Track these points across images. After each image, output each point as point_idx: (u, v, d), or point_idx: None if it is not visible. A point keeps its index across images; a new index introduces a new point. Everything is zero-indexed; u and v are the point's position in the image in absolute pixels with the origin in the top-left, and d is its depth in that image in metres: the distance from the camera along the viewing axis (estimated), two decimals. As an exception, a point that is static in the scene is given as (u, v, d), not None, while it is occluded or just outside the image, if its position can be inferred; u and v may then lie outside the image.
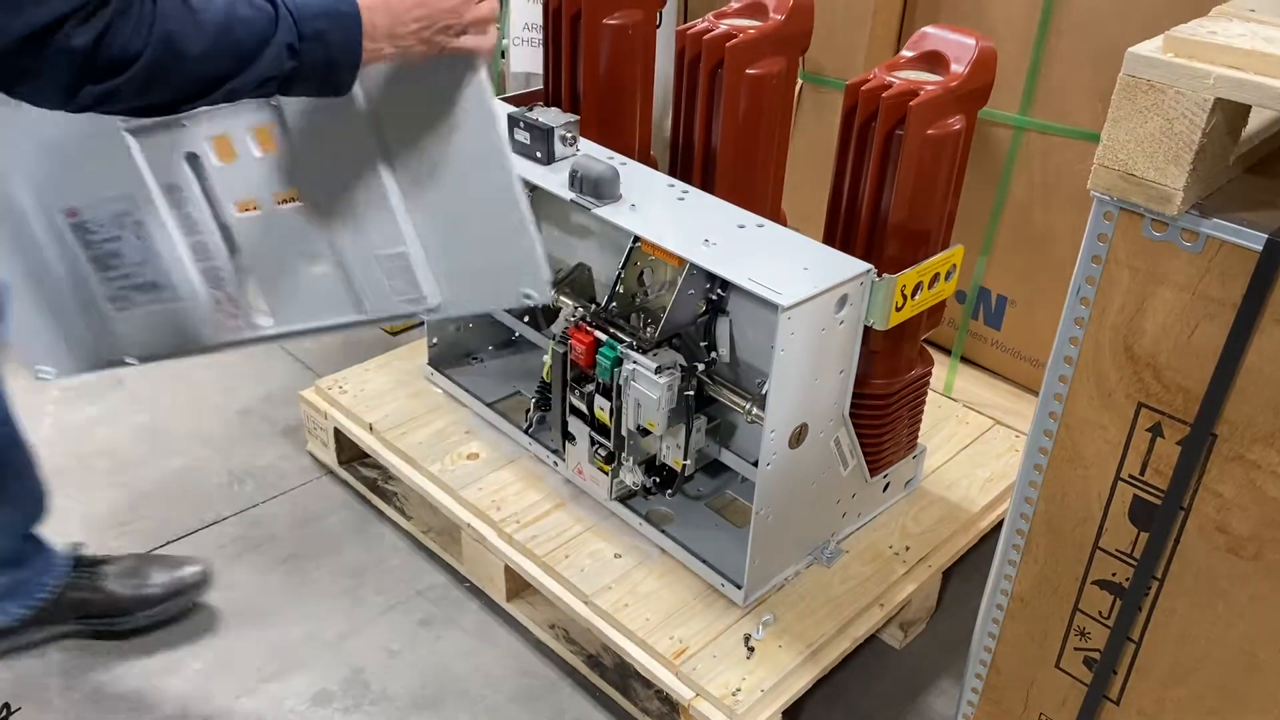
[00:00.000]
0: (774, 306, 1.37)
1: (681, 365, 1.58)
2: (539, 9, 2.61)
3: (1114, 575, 1.20)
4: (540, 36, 2.66)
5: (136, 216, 1.41)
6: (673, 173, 1.80)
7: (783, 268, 1.44)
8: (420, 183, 1.34)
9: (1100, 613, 1.23)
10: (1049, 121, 1.92)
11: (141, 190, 1.39)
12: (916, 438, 1.79)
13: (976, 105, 1.54)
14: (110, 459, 2.07)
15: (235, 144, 1.36)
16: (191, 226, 1.43)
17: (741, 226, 1.55)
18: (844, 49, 2.11)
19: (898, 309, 1.49)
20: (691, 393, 1.58)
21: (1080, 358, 1.14)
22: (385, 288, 1.42)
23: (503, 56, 3.05)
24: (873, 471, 1.71)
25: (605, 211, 1.57)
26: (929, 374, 1.73)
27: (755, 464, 1.71)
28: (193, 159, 1.38)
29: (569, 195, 1.61)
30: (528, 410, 1.91)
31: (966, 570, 1.82)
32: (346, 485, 2.03)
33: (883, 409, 1.67)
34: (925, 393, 1.75)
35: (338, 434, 2.00)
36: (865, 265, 1.45)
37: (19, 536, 1.60)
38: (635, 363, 1.57)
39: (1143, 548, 1.16)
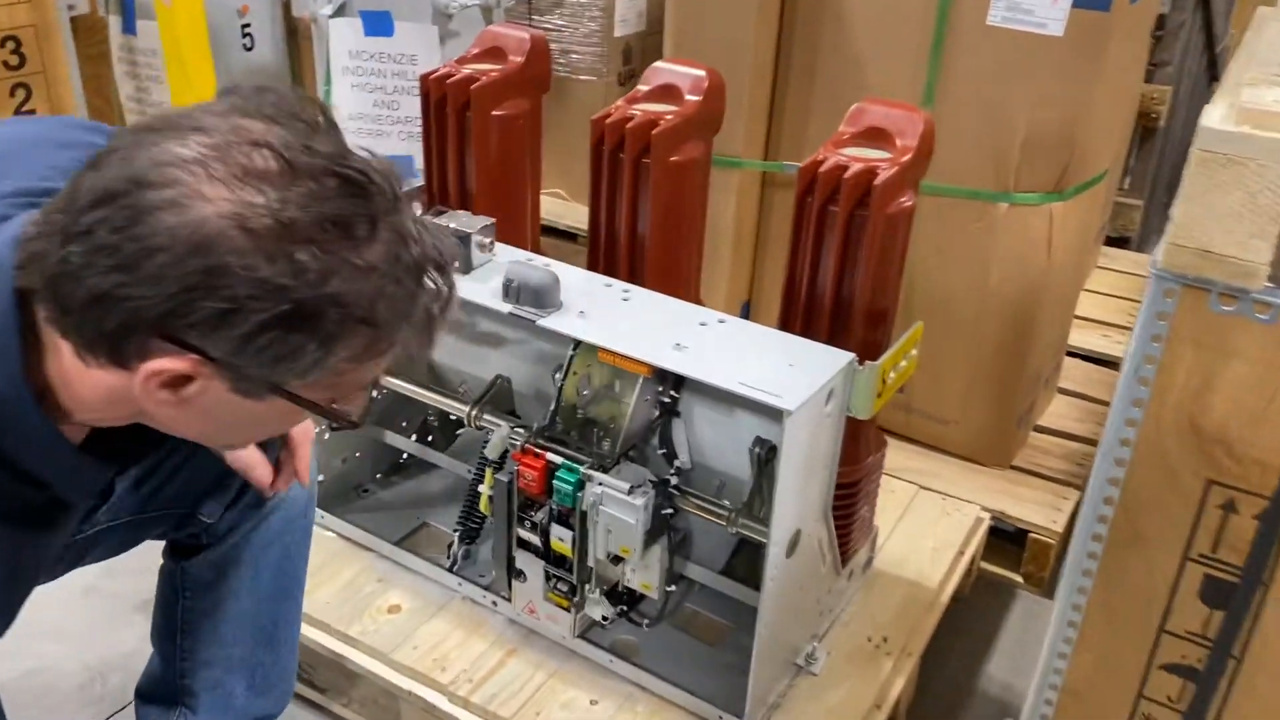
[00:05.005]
0: (775, 412, 1.26)
1: (651, 480, 1.43)
2: (366, 96, 2.42)
3: (1184, 658, 1.16)
4: (368, 127, 2.47)
5: None
6: (594, 268, 1.66)
7: (768, 366, 1.33)
8: None
9: (1169, 697, 1.18)
10: (941, 184, 1.93)
11: None
12: (873, 519, 1.73)
13: (920, 179, 1.50)
14: (-75, 675, 1.67)
15: None
16: None
17: (704, 324, 1.43)
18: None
19: (878, 395, 1.41)
20: (671, 510, 1.44)
21: (1139, 439, 1.09)
22: None
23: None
24: (842, 562, 1.63)
25: (552, 322, 1.41)
26: (884, 453, 1.67)
27: (722, 573, 1.60)
28: None
29: (506, 308, 1.44)
30: (450, 545, 1.70)
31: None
32: (235, 661, 1.73)
33: (851, 496, 1.59)
34: (881, 473, 1.68)
35: (219, 603, 1.71)
36: (848, 355, 1.37)
37: None
38: (602, 484, 1.41)
39: (1217, 627, 1.12)
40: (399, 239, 0.82)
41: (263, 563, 1.34)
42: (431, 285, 0.85)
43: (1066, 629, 1.22)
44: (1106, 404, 2.29)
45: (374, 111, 2.43)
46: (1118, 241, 3.08)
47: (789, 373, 1.32)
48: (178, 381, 0.80)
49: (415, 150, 2.15)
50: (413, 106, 2.30)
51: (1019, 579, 2.00)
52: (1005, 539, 2.02)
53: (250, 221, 0.75)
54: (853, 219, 1.41)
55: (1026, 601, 1.99)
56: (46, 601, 1.84)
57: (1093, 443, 2.17)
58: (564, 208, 2.96)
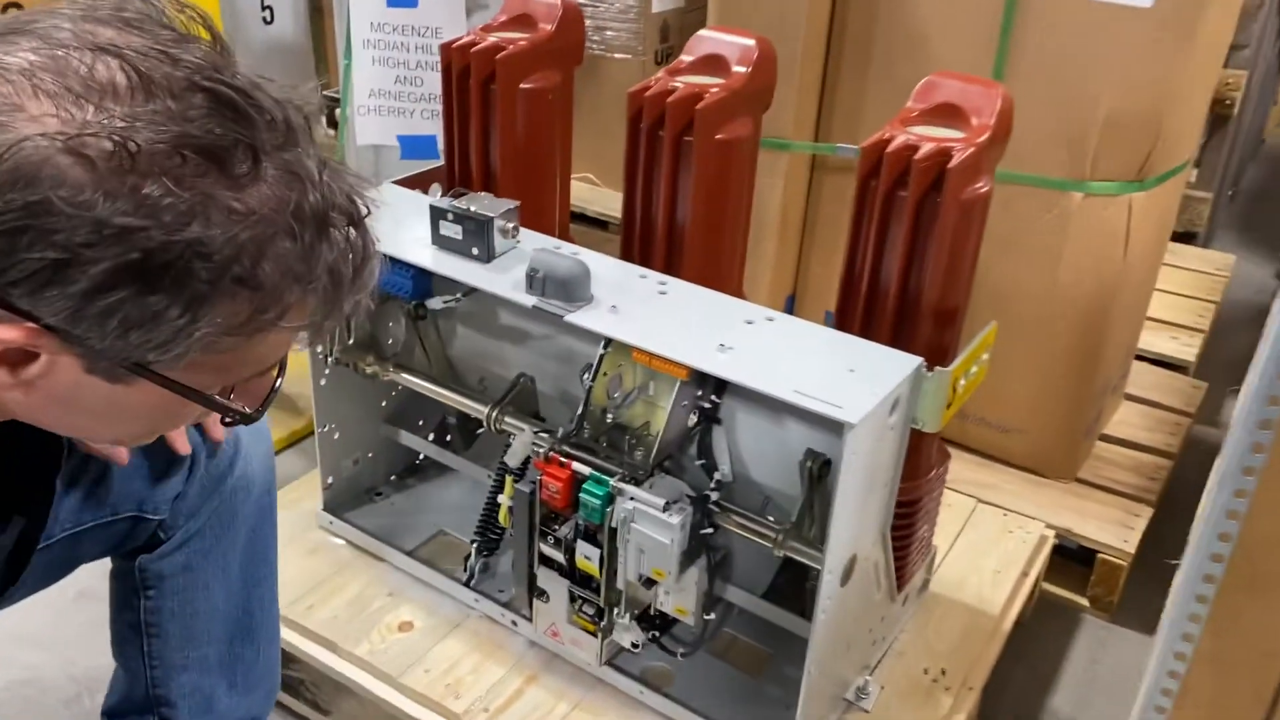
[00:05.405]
0: (833, 423, 1.11)
1: (689, 495, 1.29)
2: (388, 72, 2.29)
3: (1308, 719, 1.00)
4: (389, 105, 2.33)
5: None
6: (627, 257, 1.52)
7: (824, 371, 1.18)
8: None
9: (1289, 763, 1.03)
10: (1009, 170, 1.76)
11: None
12: (932, 539, 1.57)
13: (997, 162, 1.34)
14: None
15: None
16: None
17: (750, 322, 1.28)
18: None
19: (948, 406, 1.25)
20: (711, 530, 1.29)
21: (1267, 467, 0.93)
22: None
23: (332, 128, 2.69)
24: (898, 586, 1.47)
25: (581, 317, 1.27)
26: (947, 467, 1.51)
27: (765, 596, 1.45)
28: None
29: (530, 301, 1.29)
30: (467, 557, 1.56)
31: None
32: (233, 677, 1.60)
33: (911, 515, 1.43)
34: (943, 489, 1.53)
35: (218, 614, 1.58)
36: (915, 359, 1.22)
37: None
38: (634, 498, 1.26)
39: (1353, 687, 0.96)
40: (293, 180, 0.65)
41: (229, 548, 1.21)
42: (340, 242, 0.68)
43: (1166, 679, 1.06)
44: (1177, 412, 2.13)
45: (396, 88, 2.29)
46: (1182, 237, 2.89)
47: (849, 379, 1.17)
48: (15, 358, 0.65)
49: (440, 130, 2.02)
50: (437, 83, 2.15)
51: (1085, 602, 1.83)
52: (1070, 557, 1.85)
53: (85, 145, 0.59)
54: (923, 205, 1.25)
55: (1092, 626, 1.83)
56: (34, 606, 1.71)
57: (1164, 454, 2.00)
58: (595, 193, 2.81)
